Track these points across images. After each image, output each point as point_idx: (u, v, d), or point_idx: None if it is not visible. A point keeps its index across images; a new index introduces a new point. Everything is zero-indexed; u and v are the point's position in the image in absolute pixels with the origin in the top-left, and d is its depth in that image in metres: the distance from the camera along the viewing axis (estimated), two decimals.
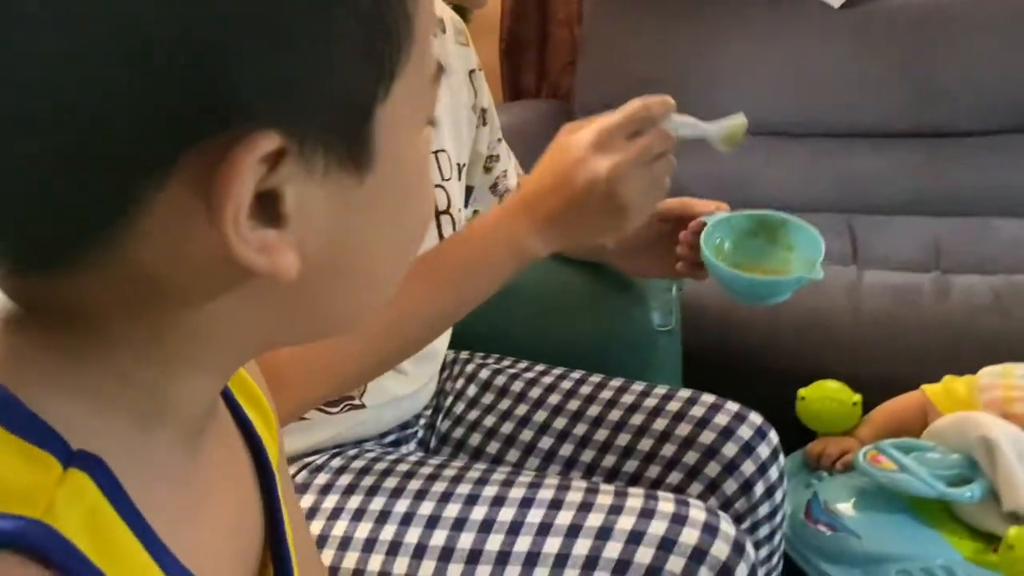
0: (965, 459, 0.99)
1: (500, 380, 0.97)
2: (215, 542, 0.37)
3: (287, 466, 0.51)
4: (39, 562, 0.27)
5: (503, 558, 0.71)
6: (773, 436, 0.89)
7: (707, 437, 0.86)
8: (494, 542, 0.72)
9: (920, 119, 1.80)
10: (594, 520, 0.71)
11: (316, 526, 0.75)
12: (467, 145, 0.95)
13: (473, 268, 0.73)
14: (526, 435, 0.92)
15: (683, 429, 0.87)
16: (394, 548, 0.73)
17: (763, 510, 0.86)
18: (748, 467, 0.85)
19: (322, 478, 0.78)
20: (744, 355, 1.39)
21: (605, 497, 0.73)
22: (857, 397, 1.15)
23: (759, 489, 0.86)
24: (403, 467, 0.79)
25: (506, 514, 0.73)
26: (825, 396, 1.15)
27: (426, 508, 0.75)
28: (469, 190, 1.00)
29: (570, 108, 2.01)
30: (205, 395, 0.35)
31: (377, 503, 0.76)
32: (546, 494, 0.74)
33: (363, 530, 0.74)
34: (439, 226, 0.86)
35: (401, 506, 0.75)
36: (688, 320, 1.26)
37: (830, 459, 1.11)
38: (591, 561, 0.69)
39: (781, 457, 0.89)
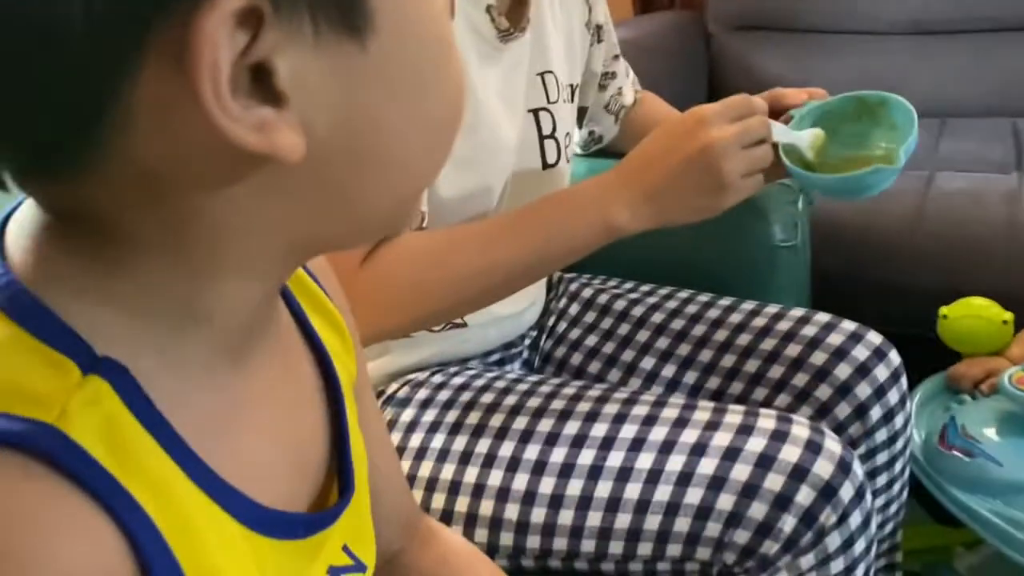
0: None
1: (603, 298, 0.95)
2: (265, 452, 0.37)
3: (370, 384, 0.52)
4: (46, 465, 0.27)
5: (595, 472, 0.70)
6: (894, 357, 0.83)
7: (819, 358, 0.82)
8: (586, 456, 0.71)
9: None
10: (689, 436, 0.70)
11: (416, 439, 0.77)
12: (580, 65, 0.92)
13: (562, 230, 0.72)
14: (628, 355, 0.90)
15: (793, 350, 0.83)
16: (488, 461, 0.74)
17: (880, 435, 0.81)
18: (863, 390, 0.80)
19: (423, 393, 0.80)
20: (885, 273, 1.30)
21: (703, 414, 0.71)
22: (1008, 315, 1.05)
23: (875, 413, 0.81)
24: (500, 384, 0.80)
25: (599, 429, 0.72)
26: (970, 314, 1.06)
27: (520, 423, 0.75)
28: (583, 112, 0.98)
29: (702, 19, 1.91)
30: (246, 301, 0.34)
31: (473, 417, 0.77)
32: (641, 410, 0.73)
33: (460, 443, 0.76)
34: (543, 151, 0.84)
35: (496, 420, 0.76)
36: (821, 236, 1.19)
37: (973, 381, 1.02)
38: (684, 477, 0.68)
39: (903, 380, 0.83)
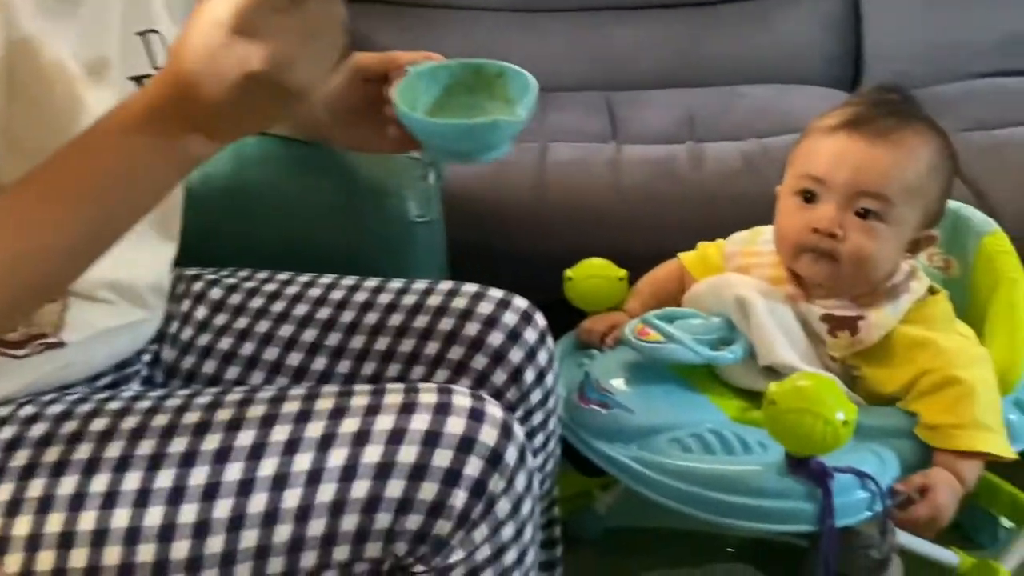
0: (724, 321, 1.00)
1: (236, 298, 0.85)
2: None
3: None
4: None
5: (246, 488, 0.62)
6: (540, 319, 0.85)
7: (472, 329, 0.81)
8: (233, 471, 0.62)
9: None
10: (349, 426, 0.64)
11: (4, 490, 0.62)
12: (182, 22, 0.80)
13: (119, 180, 0.56)
14: (271, 353, 0.82)
15: (446, 324, 0.81)
16: (110, 500, 0.62)
17: (535, 396, 0.83)
18: (516, 354, 0.81)
19: (7, 432, 0.65)
20: (512, 242, 1.35)
21: (361, 399, 0.66)
22: (622, 272, 1.13)
23: (529, 376, 0.82)
24: (114, 405, 0.67)
25: (245, 438, 0.64)
26: (591, 274, 1.13)
27: (146, 448, 0.64)
28: None
29: None
30: None
31: (83, 451, 0.63)
32: (292, 407, 0.66)
33: (67, 485, 0.62)
34: None
35: (114, 450, 0.63)
36: (453, 210, 1.19)
37: (599, 336, 1.09)
38: (348, 471, 0.62)
39: (550, 340, 0.86)
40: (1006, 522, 1.26)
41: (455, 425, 0.64)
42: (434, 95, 0.74)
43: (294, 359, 0.81)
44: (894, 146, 0.94)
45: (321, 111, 0.80)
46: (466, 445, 0.63)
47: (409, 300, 0.83)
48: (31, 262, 0.55)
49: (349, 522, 0.62)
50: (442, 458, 0.63)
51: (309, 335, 0.82)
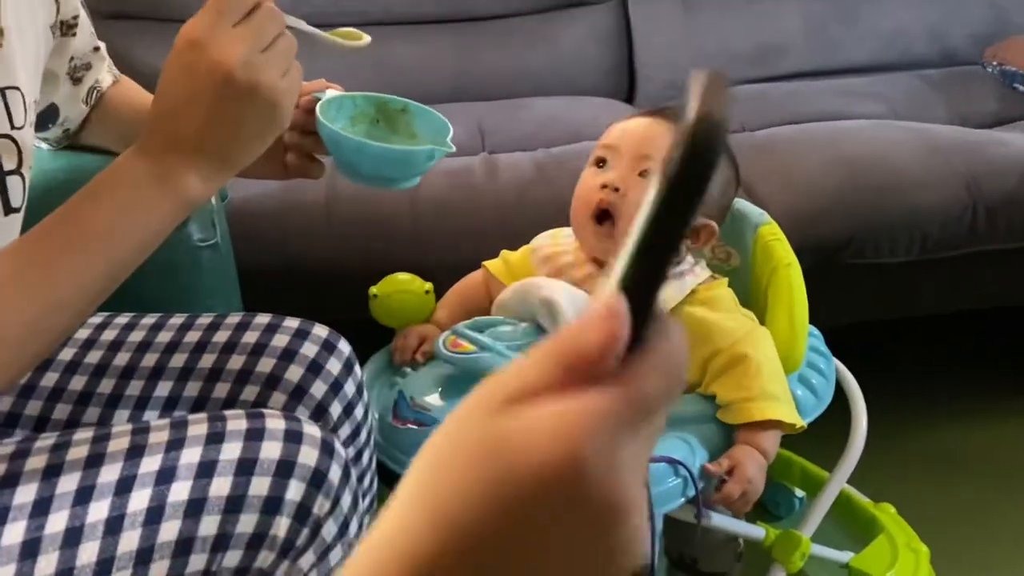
0: (532, 326, 1.00)
1: None
2: None
3: None
4: None
5: (31, 548, 0.56)
6: (344, 347, 0.80)
7: (267, 364, 0.75)
8: (14, 533, 0.55)
9: (447, 4, 1.81)
10: (149, 465, 0.58)
11: None
12: (40, 73, 0.71)
13: (121, 228, 0.58)
14: (32, 408, 0.73)
15: (236, 361, 0.75)
16: None
17: (344, 431, 0.78)
18: (319, 388, 0.76)
19: None
20: (309, 263, 1.29)
21: (160, 435, 0.60)
22: (428, 285, 1.11)
23: (335, 410, 0.77)
24: None
25: (26, 494, 0.57)
26: (397, 290, 1.10)
27: None
28: (52, 111, 0.80)
29: None
30: None
31: None
32: (79, 453, 0.59)
33: None
34: (4, 190, 0.63)
35: None
36: (240, 233, 1.12)
37: (411, 351, 1.06)
38: (153, 513, 0.56)
39: (357, 368, 0.81)
40: (799, 492, 1.37)
41: (271, 450, 0.59)
42: (341, 124, 0.75)
43: (61, 412, 0.73)
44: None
45: None
46: (285, 469, 0.59)
47: (193, 337, 0.77)
48: (50, 319, 0.56)
49: (159, 569, 0.56)
50: (259, 486, 0.58)
51: (77, 383, 0.74)
